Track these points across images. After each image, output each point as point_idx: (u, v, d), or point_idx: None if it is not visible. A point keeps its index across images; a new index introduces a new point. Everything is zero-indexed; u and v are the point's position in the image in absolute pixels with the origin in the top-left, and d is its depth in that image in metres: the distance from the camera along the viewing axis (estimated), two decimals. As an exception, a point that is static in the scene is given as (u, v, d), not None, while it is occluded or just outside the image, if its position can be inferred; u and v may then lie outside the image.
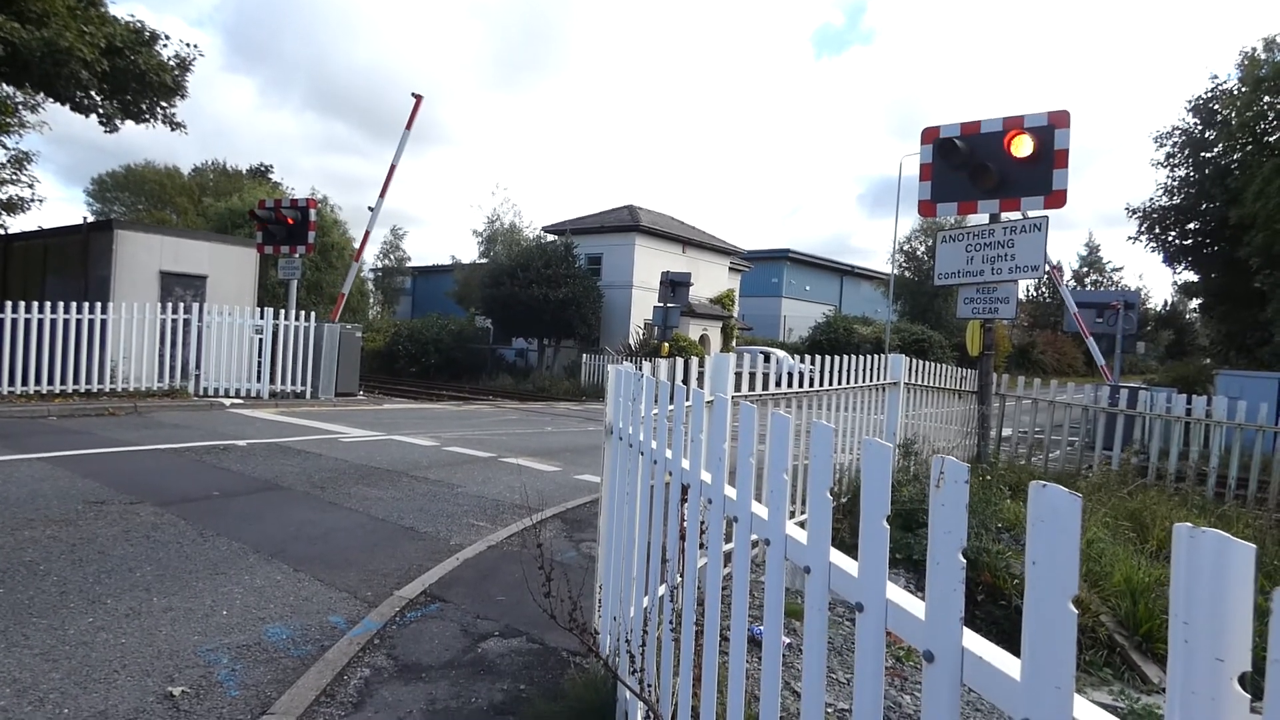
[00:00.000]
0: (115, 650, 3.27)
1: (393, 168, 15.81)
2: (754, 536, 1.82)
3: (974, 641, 1.06)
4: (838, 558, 1.43)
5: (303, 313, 13.78)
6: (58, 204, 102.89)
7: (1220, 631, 0.72)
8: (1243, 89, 21.44)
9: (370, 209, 15.99)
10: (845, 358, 5.71)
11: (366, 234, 16.23)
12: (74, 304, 11.63)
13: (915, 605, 1.20)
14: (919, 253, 38.53)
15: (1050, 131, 6.77)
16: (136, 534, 4.90)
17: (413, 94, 15.85)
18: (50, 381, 11.33)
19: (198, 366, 12.81)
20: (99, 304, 11.90)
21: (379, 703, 2.96)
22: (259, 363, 13.29)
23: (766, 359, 5.41)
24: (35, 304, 11.35)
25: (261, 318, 13.34)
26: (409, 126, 16.30)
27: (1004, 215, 7.19)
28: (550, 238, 30.15)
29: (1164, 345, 51.19)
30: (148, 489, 6.10)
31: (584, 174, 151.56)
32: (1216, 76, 25.40)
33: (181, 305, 12.78)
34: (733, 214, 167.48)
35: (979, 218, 7.57)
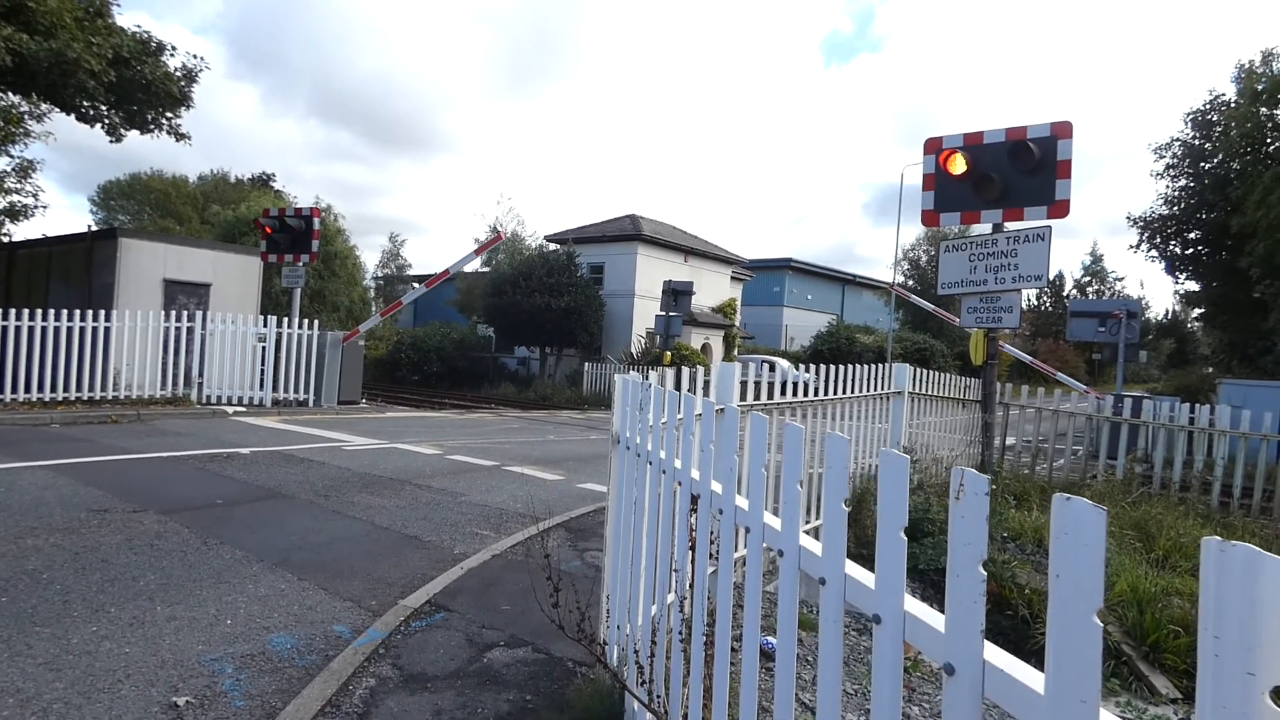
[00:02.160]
0: (119, 660, 3.26)
1: (447, 271, 16.14)
2: (766, 546, 1.82)
3: (995, 654, 1.06)
4: (853, 569, 1.43)
5: (306, 321, 13.79)
6: (61, 211, 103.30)
7: (1251, 646, 0.72)
8: (1240, 101, 21.52)
9: (415, 287, 16.46)
10: (849, 367, 5.71)
11: (399, 303, 17.00)
12: (77, 312, 11.65)
13: (934, 617, 1.19)
14: (922, 262, 38.57)
15: (1053, 142, 6.78)
16: (140, 542, 4.89)
17: (494, 228, 16.17)
18: (53, 389, 11.34)
19: (201, 374, 12.81)
20: (102, 312, 11.92)
21: (384, 713, 2.94)
22: (262, 371, 13.29)
23: (771, 368, 5.41)
24: (39, 312, 11.37)
25: (265, 326, 13.36)
26: (477, 253, 16.92)
27: (1007, 225, 7.20)
28: (553, 247, 30.23)
29: (1166, 354, 51.12)
30: (151, 497, 6.09)
31: (588, 182, 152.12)
32: (1214, 90, 25.44)
33: (185, 313, 12.80)
34: (737, 223, 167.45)
35: (982, 227, 7.58)
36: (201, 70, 15.38)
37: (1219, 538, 0.75)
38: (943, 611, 1.15)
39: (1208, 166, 23.76)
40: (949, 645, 1.11)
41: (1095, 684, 0.88)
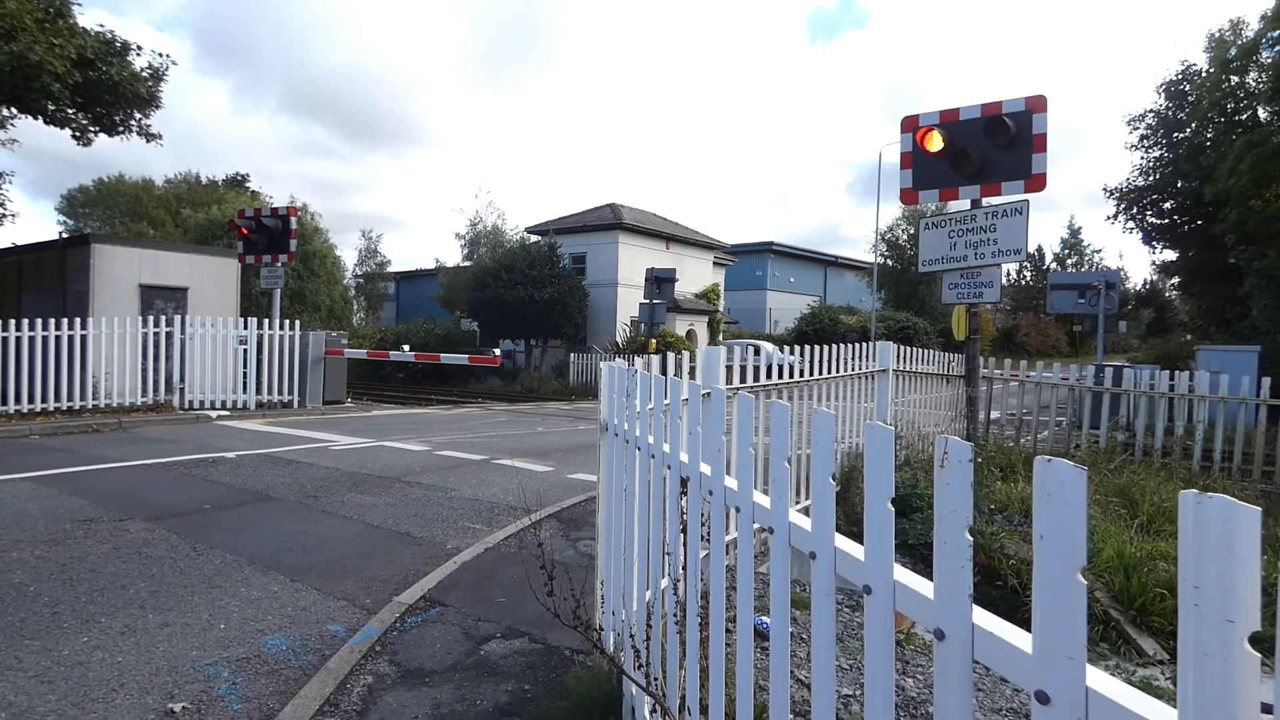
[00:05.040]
0: (112, 669, 3.24)
1: (437, 356, 16.79)
2: (756, 526, 1.83)
3: (984, 618, 1.07)
4: (843, 542, 1.44)
5: (287, 322, 13.66)
6: (28, 219, 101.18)
7: (1230, 593, 0.74)
8: (1211, 70, 21.76)
9: (404, 348, 16.92)
10: (833, 347, 5.74)
11: (386, 354, 17.80)
12: (52, 320, 11.46)
13: (923, 585, 1.21)
14: (901, 241, 38.77)
15: (1028, 117, 6.82)
16: (128, 550, 4.84)
17: (498, 352, 16.25)
18: (31, 400, 11.16)
19: (182, 379, 12.65)
20: (78, 320, 11.72)
21: (383, 709, 2.95)
22: (244, 373, 13.15)
23: (756, 352, 5.43)
24: (12, 322, 11.16)
25: (245, 328, 13.21)
26: (472, 360, 17.19)
27: (985, 200, 7.24)
28: (534, 238, 30.10)
29: (1145, 324, 51.79)
30: (137, 505, 6.02)
31: (568, 171, 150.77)
32: (1186, 60, 25.70)
33: (163, 318, 12.62)
34: (722, 206, 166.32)
35: (960, 204, 7.62)
36: (168, 69, 15.11)
37: (1195, 490, 0.77)
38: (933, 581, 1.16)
39: (1181, 136, 24.02)
40: (939, 611, 1.12)
41: (1081, 640, 0.89)
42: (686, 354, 3.96)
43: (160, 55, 15.09)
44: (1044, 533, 0.93)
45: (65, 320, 11.59)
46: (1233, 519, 0.74)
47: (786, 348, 5.74)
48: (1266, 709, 0.69)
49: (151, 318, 12.55)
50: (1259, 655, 0.73)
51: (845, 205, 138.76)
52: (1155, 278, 50.32)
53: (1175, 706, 0.81)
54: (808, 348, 5.48)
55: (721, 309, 33.43)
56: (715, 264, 34.70)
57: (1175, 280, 34.79)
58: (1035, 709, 0.95)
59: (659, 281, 17.66)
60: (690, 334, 29.79)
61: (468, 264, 35.37)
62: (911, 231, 36.83)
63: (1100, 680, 0.90)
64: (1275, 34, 17.89)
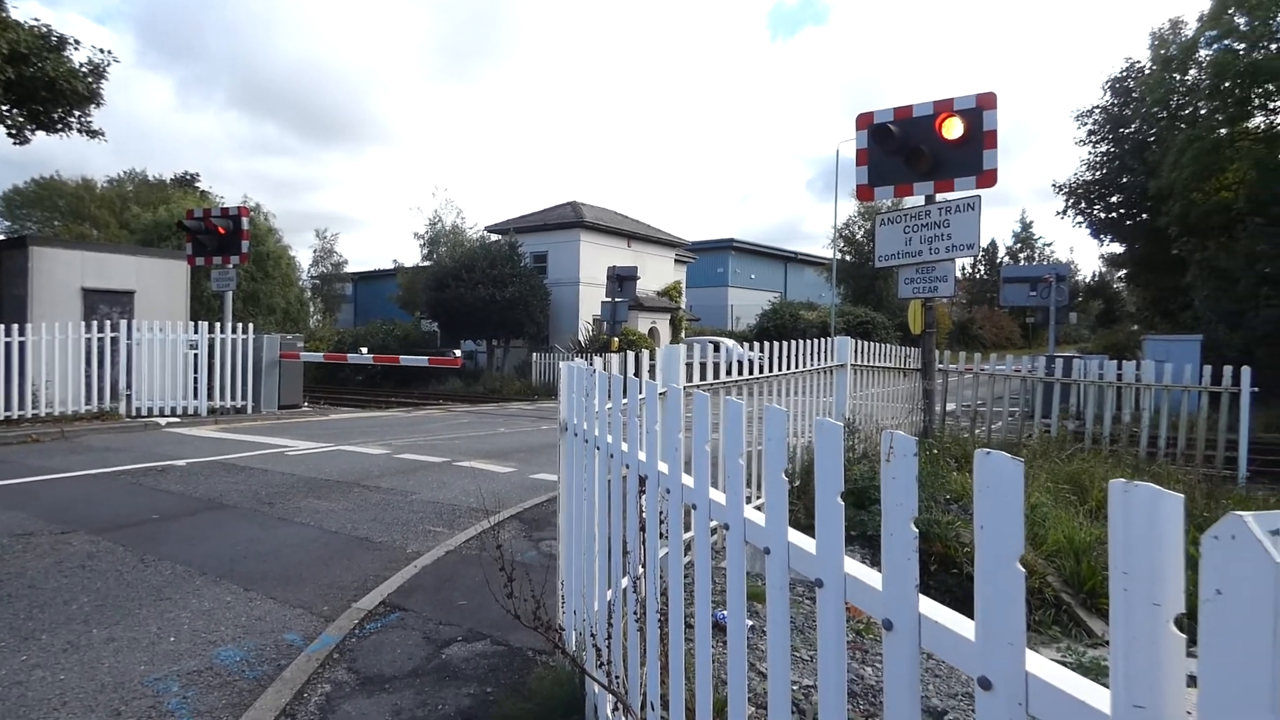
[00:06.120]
0: (54, 688, 3.11)
1: (404, 360, 16.49)
2: (713, 523, 1.83)
3: (930, 607, 1.09)
4: (796, 537, 1.45)
5: (240, 325, 13.30)
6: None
7: (1156, 578, 0.76)
8: (1154, 68, 22.59)
9: (362, 352, 16.45)
10: (792, 343, 5.80)
11: (344, 356, 17.30)
12: (-12, 327, 10.97)
13: (873, 577, 1.22)
14: (858, 237, 39.40)
15: (979, 113, 6.98)
16: (70, 564, 4.66)
17: (458, 353, 15.88)
18: (-34, 410, 10.67)
19: (129, 386, 12.23)
20: (15, 326, 11.24)
21: (341, 718, 2.89)
22: (195, 379, 12.77)
23: (716, 349, 5.46)
24: (-56, 329, 10.66)
25: (196, 332, 12.83)
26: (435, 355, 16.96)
27: (939, 196, 7.39)
28: (494, 237, 29.85)
29: (1095, 315, 53.52)
30: (80, 517, 5.80)
31: (528, 168, 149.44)
32: (1131, 57, 26.63)
33: (108, 323, 12.17)
34: (683, 203, 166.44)
35: (915, 200, 7.77)
36: (109, 65, 14.60)
37: (1123, 479, 0.79)
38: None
39: (1127, 132, 24.88)
40: (886, 602, 1.14)
41: (1020, 627, 0.91)
42: (648, 352, 3.96)
43: (101, 51, 14.60)
44: (984, 523, 0.94)
45: (2, 327, 11.11)
46: (1158, 506, 0.76)
47: (748, 344, 5.78)
48: (1193, 681, 0.72)
49: (95, 322, 12.09)
50: (1184, 636, 0.75)
51: (806, 201, 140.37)
52: (1104, 270, 52.01)
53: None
54: (768, 344, 5.53)
55: (684, 306, 33.59)
56: (677, 261, 34.84)
57: (1123, 272, 36.02)
58: (978, 694, 0.96)
59: (621, 280, 17.63)
60: (653, 332, 29.86)
61: (427, 264, 34.86)
62: (868, 228, 37.45)
63: (1039, 665, 0.92)
64: (1213, 33, 18.63)
